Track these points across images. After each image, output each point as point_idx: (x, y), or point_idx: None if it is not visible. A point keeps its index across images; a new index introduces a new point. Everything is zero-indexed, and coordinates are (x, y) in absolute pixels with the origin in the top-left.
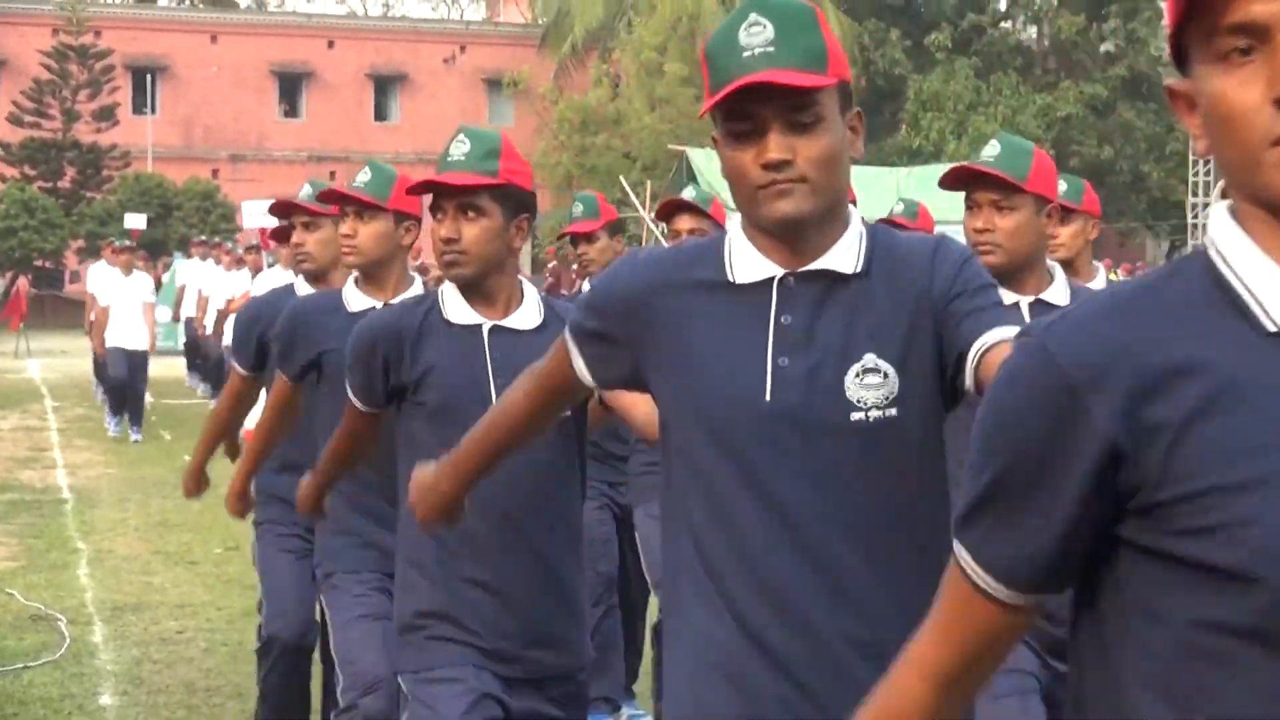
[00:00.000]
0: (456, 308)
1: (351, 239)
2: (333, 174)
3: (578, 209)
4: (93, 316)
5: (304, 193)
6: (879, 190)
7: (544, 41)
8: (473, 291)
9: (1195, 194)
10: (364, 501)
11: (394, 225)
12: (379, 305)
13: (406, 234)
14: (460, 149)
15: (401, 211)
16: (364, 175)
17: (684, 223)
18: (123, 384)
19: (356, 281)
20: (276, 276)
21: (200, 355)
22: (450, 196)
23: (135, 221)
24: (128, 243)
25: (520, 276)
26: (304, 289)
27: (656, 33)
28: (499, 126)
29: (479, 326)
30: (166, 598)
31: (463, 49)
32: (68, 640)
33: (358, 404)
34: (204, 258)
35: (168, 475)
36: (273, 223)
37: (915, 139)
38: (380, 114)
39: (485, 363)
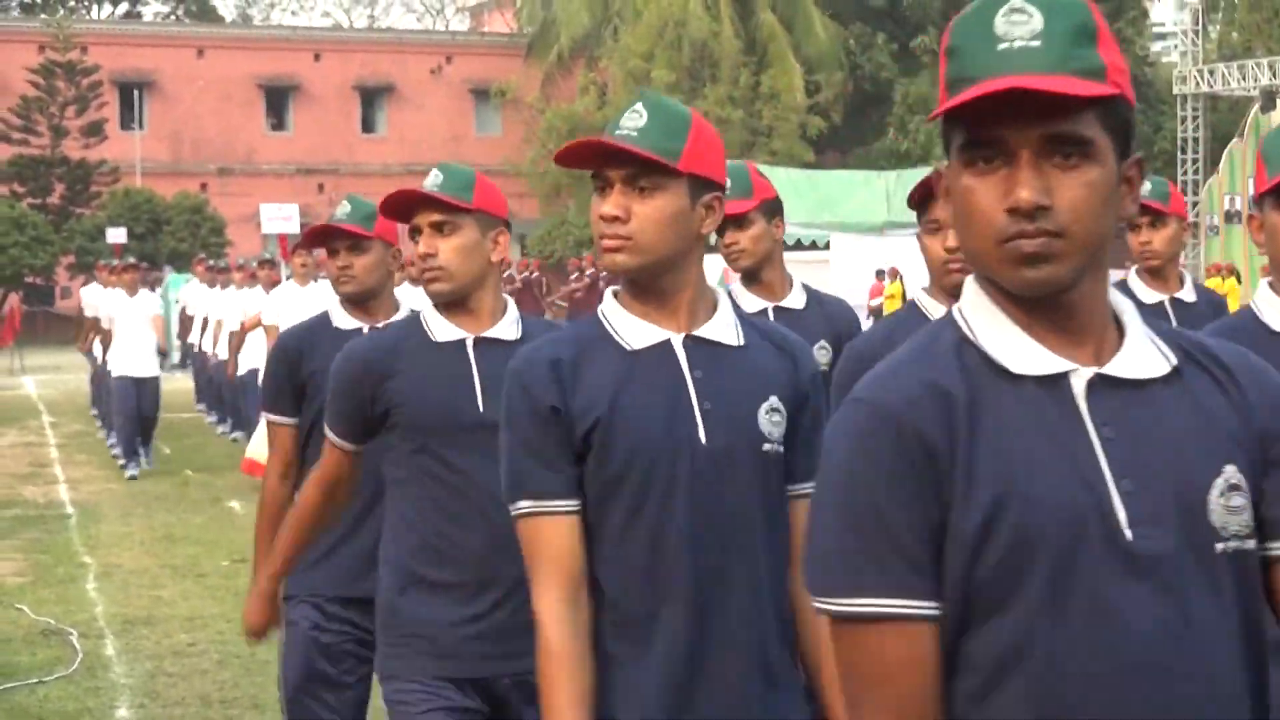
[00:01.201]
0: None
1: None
2: (321, 186)
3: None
4: (91, 335)
5: (341, 212)
6: (866, 195)
7: (530, 51)
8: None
9: (1185, 193)
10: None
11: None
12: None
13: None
14: (635, 120)
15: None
16: (434, 178)
17: (943, 210)
18: (134, 418)
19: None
20: (292, 292)
21: (213, 386)
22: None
23: (117, 236)
24: (131, 260)
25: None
26: (340, 316)
27: (643, 40)
28: (486, 137)
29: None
30: (176, 611)
31: (449, 60)
32: (80, 654)
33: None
34: (212, 284)
35: (169, 490)
36: (293, 229)
37: (903, 143)
38: (367, 126)
39: None
